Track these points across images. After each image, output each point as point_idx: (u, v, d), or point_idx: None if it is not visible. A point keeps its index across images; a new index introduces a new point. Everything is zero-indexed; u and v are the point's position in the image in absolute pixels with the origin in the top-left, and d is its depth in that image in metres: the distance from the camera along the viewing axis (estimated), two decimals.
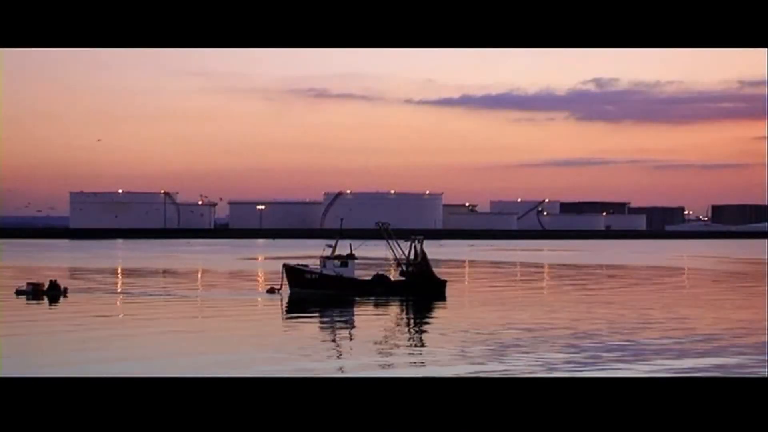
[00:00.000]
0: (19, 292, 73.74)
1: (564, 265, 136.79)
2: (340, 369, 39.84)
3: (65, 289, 74.42)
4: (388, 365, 41.10)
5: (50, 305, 68.04)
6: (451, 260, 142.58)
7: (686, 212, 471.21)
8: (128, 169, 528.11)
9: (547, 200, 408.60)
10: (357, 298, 72.89)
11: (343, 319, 63.03)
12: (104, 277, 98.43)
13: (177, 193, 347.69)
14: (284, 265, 79.85)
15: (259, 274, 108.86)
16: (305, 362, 40.91)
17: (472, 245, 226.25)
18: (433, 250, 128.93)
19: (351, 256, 78.66)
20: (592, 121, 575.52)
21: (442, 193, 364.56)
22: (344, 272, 77.77)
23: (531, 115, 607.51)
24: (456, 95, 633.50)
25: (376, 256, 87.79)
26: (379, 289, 76.62)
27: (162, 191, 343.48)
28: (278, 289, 77.54)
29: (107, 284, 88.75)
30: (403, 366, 40.80)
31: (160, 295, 77.27)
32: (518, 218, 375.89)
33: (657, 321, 58.14)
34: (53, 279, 76.24)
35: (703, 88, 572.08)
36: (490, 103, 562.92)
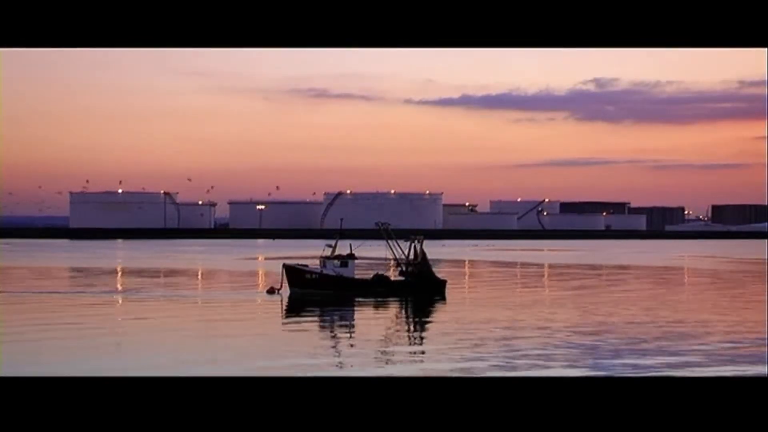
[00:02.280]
0: None
1: (564, 265, 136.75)
2: (340, 369, 39.84)
3: None
4: (388, 365, 41.10)
5: None
6: (451, 260, 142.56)
7: (686, 212, 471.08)
8: (128, 169, 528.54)
9: (547, 200, 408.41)
10: (357, 298, 72.91)
11: (343, 319, 63.02)
12: (70, 278, 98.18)
13: (177, 193, 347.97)
14: (284, 265, 79.84)
15: (259, 273, 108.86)
16: (305, 362, 40.90)
17: (475, 245, 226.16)
18: (435, 249, 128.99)
19: (351, 256, 78.67)
20: (592, 121, 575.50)
21: (442, 193, 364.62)
22: (344, 272, 77.78)
23: (531, 115, 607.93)
24: (456, 95, 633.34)
25: (377, 255, 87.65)
26: (379, 289, 76.62)
27: (162, 191, 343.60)
28: (278, 289, 77.52)
29: (61, 285, 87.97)
30: (403, 366, 40.81)
31: (135, 294, 77.23)
32: (518, 218, 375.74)
33: (657, 321, 58.12)
34: None
35: (703, 88, 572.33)
36: (490, 103, 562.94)
